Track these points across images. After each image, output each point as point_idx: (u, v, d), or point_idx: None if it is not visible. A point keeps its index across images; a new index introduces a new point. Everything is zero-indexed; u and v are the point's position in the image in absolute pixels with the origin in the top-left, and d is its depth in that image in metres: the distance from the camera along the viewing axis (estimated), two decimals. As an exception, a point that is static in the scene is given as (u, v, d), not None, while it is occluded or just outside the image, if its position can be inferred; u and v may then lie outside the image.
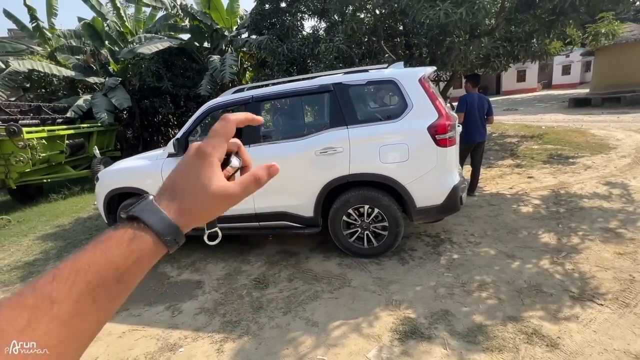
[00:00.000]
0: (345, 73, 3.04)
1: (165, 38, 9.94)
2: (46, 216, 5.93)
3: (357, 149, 2.88)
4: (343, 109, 2.93)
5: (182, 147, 3.36)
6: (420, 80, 2.81)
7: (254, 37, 8.79)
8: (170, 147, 3.29)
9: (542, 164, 5.72)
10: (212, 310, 2.66)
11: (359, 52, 6.51)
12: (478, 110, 4.18)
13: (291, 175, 3.07)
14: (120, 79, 9.94)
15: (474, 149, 4.39)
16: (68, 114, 8.70)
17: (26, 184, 6.93)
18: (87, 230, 4.87)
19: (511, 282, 2.58)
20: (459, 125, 3.44)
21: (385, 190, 2.94)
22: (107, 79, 9.76)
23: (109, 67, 10.68)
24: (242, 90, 3.38)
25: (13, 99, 11.27)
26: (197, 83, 9.51)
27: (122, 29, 10.86)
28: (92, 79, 9.89)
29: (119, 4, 10.39)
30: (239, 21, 10.75)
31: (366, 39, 7.41)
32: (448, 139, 2.77)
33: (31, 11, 9.40)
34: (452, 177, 2.87)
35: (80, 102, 9.14)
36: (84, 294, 0.30)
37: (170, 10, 9.54)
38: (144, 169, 3.55)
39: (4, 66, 8.91)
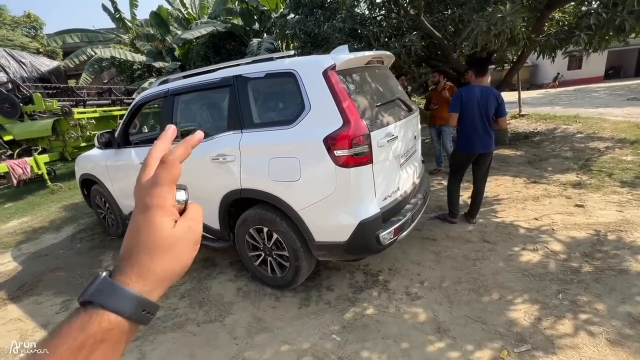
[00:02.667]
0: (252, 62, 2.44)
1: (218, 22, 10.31)
2: (89, 186, 6.91)
3: (247, 160, 2.32)
4: (241, 107, 2.38)
5: (116, 141, 3.32)
6: (325, 73, 2.05)
7: (293, 17, 8.36)
8: (95, 141, 3.26)
9: (619, 186, 3.97)
10: (86, 315, 2.58)
11: (377, 30, 5.46)
12: (480, 110, 2.99)
13: (193, 182, 2.70)
14: (179, 63, 10.81)
15: (475, 162, 3.23)
16: (133, 96, 9.91)
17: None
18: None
19: (404, 375, 1.76)
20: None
21: (283, 213, 2.32)
22: (168, 64, 10.73)
23: (175, 52, 11.71)
24: (166, 81, 3.09)
25: (106, 80, 13.49)
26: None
27: (186, 16, 11.68)
28: (158, 64, 11.00)
29: (181, -8, 11.15)
30: (288, 2, 10.38)
31: (397, 13, 6.23)
32: (353, 155, 1.98)
33: (114, 4, 10.82)
34: (360, 209, 2.08)
35: (145, 85, 10.30)
36: None
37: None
38: (96, 159, 3.65)
39: (93, 53, 10.60)
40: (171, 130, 0.43)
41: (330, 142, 1.99)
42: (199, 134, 0.43)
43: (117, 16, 11.30)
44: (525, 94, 17.90)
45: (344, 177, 2.02)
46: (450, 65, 6.83)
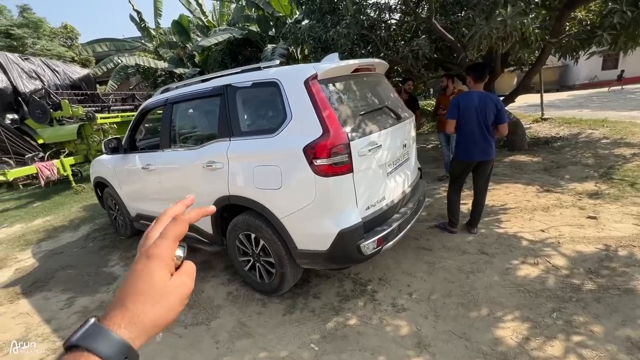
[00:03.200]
0: (241, 72, 2.49)
1: (236, 29, 10.59)
2: (110, 187, 7.29)
3: (234, 167, 2.37)
4: (230, 116, 2.44)
5: (122, 146, 3.49)
6: (306, 83, 2.06)
7: (307, 23, 8.44)
8: (102, 147, 3.44)
9: (640, 196, 3.69)
10: (85, 313, 2.72)
11: (385, 34, 5.41)
12: (479, 116, 2.89)
13: (187, 186, 2.80)
14: (198, 69, 11.19)
15: (474, 171, 3.12)
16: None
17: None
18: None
19: (375, 390, 1.73)
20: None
21: (268, 220, 2.35)
22: (188, 70, 11.14)
23: (195, 59, 12.13)
24: (168, 89, 3.22)
25: (132, 86, 14.17)
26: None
27: (206, 23, 12.08)
28: (178, 70, 11.43)
29: (201, 1, 11.55)
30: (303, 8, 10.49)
31: (410, 16, 6.14)
32: (332, 165, 1.98)
33: (139, 14, 11.38)
34: (340, 219, 2.07)
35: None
36: None
37: (235, 2, 10.03)
38: (106, 163, 3.85)
39: (120, 61, 11.18)
40: (190, 199, 0.48)
41: (310, 151, 1.99)
42: (213, 207, 0.49)
43: (142, 25, 11.89)
44: (553, 96, 17.06)
45: (324, 186, 2.02)
46: (463, 68, 6.65)
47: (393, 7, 5.99)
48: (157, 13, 12.15)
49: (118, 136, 3.53)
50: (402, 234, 2.42)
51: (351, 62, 2.27)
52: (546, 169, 5.16)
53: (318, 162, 1.98)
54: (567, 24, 5.48)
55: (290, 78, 2.12)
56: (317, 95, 2.04)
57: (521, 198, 4.07)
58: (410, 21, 6.48)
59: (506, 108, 7.05)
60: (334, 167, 1.99)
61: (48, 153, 8.05)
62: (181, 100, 2.88)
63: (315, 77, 2.07)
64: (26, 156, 8.01)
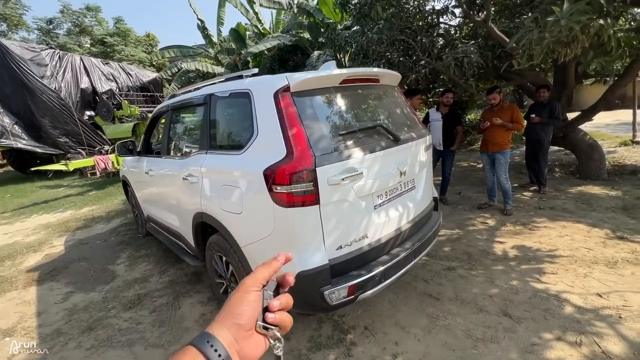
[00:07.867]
0: (225, 80, 2.30)
1: (287, 36, 10.75)
2: (155, 183, 7.84)
3: (206, 183, 2.18)
4: (209, 127, 2.26)
5: (136, 149, 3.58)
6: (275, 95, 1.77)
7: (354, 29, 8.16)
8: (116, 149, 3.56)
9: None
10: (71, 313, 2.76)
11: (427, 40, 4.82)
12: None
13: (172, 196, 2.72)
14: (250, 75, 11.61)
15: None
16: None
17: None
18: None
19: None
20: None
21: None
22: (240, 75, 11.62)
23: (249, 65, 12.63)
24: (175, 95, 3.19)
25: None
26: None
27: (262, 31, 12.52)
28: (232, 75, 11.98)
29: (257, 10, 12.00)
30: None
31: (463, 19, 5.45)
32: (292, 194, 1.66)
33: (202, 23, 12.24)
34: (301, 259, 1.72)
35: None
36: None
37: (287, 10, 10.17)
38: (127, 162, 4.03)
39: (182, 67, 12.14)
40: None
41: (270, 175, 1.70)
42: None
43: (205, 33, 12.80)
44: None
45: (282, 218, 1.70)
46: (525, 79, 5.72)
47: (441, 10, 5.37)
48: (220, 21, 12.97)
49: (133, 138, 3.65)
50: (389, 281, 1.97)
51: (336, 71, 1.92)
52: (626, 207, 4.07)
53: (277, 189, 1.67)
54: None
55: (261, 89, 1.86)
56: (285, 110, 1.73)
57: (580, 244, 3.22)
58: (462, 25, 5.78)
59: (581, 127, 5.86)
60: (294, 197, 1.66)
61: (111, 147, 9.00)
62: (178, 107, 2.82)
63: (286, 88, 1.78)
64: (96, 148, 9.05)
